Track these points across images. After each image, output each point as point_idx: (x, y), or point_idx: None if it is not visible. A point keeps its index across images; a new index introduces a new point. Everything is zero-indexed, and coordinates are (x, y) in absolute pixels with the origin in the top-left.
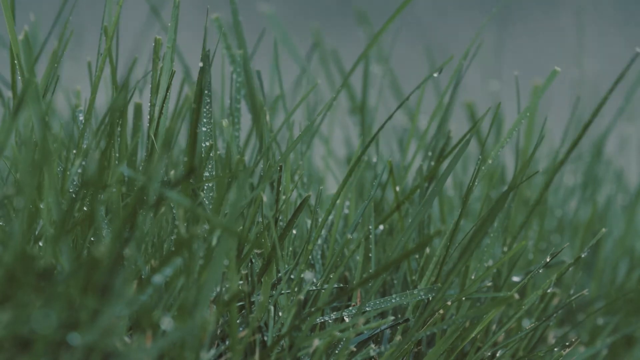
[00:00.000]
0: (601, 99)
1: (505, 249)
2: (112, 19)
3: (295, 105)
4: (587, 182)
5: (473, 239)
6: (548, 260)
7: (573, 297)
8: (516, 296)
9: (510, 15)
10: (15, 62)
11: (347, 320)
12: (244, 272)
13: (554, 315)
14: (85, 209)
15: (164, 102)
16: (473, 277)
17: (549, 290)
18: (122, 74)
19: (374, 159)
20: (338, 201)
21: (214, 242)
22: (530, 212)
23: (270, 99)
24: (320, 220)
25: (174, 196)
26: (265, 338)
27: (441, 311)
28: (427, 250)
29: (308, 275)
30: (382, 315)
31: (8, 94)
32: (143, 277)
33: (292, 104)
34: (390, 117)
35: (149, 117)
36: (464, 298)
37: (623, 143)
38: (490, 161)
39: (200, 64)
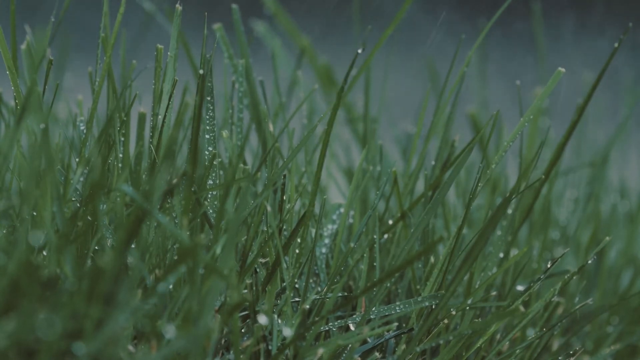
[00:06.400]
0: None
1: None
2: (106, 27)
3: (292, 114)
4: (591, 191)
5: (475, 246)
6: (549, 266)
7: (577, 307)
8: (521, 308)
9: (514, 24)
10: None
11: (352, 328)
12: (248, 281)
13: (558, 324)
14: (89, 217)
15: (166, 110)
16: (477, 286)
17: (553, 299)
18: (125, 82)
19: (378, 168)
20: (342, 210)
21: (218, 250)
22: (526, 213)
23: (272, 108)
24: (324, 229)
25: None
26: (270, 347)
27: (445, 321)
28: (432, 259)
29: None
30: (387, 325)
31: (10, 103)
32: (147, 286)
33: (297, 113)
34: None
35: (151, 125)
36: (467, 308)
37: (627, 152)
38: (493, 165)
39: (201, 71)
